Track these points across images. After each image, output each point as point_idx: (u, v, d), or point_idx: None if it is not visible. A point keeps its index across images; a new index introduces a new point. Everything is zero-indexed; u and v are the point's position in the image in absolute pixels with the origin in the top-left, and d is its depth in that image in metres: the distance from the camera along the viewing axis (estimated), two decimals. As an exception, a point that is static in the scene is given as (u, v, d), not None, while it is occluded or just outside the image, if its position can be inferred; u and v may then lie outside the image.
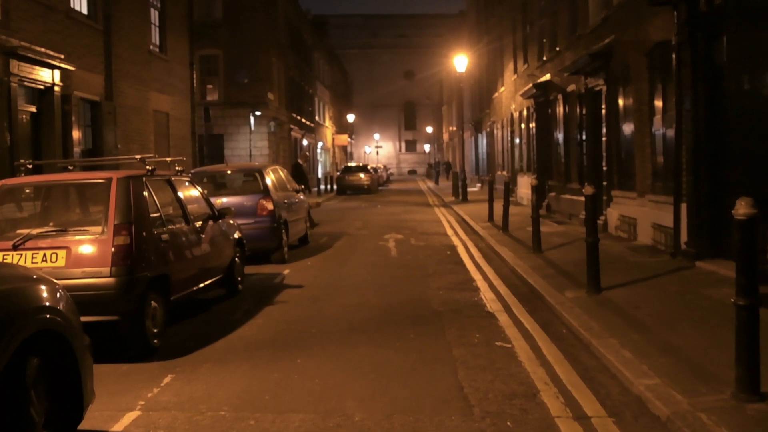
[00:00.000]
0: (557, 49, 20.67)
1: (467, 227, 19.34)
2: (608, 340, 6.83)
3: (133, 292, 6.60)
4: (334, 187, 43.82)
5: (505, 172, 31.29)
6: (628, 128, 14.64)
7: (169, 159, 8.77)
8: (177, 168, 8.44)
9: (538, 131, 23.78)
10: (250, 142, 34.91)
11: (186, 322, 8.37)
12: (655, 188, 12.93)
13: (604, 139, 15.94)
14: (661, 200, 12.40)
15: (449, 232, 18.43)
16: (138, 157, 8.02)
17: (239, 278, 9.96)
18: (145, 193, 7.19)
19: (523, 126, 27.32)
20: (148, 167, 7.57)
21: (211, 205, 9.21)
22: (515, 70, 28.86)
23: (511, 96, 29.99)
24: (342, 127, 75.63)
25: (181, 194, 8.17)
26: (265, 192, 12.80)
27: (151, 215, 7.21)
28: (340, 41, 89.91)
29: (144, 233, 6.88)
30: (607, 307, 8.25)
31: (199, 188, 9.28)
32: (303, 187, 19.32)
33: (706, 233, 10.81)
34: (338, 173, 46.90)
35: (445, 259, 13.40)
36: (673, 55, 11.25)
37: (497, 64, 34.42)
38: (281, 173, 14.62)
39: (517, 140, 28.80)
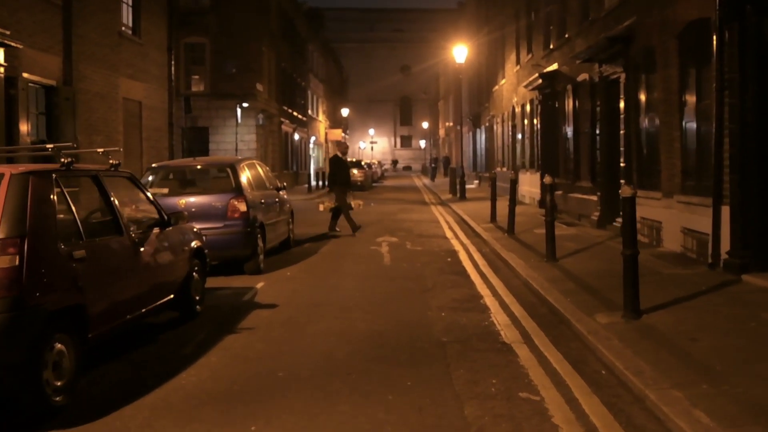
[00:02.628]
0: (566, 36, 18.94)
1: (468, 229, 17.63)
2: (669, 392, 5.11)
3: (22, 333, 4.76)
4: (327, 183, 41.96)
5: (505, 169, 29.63)
6: (651, 120, 12.91)
7: (100, 150, 6.94)
8: (111, 161, 6.63)
9: (543, 125, 22.11)
10: (236, 135, 33.09)
11: (116, 360, 6.56)
12: (686, 188, 11.20)
13: (622, 132, 14.22)
14: (694, 201, 10.68)
15: (449, 234, 16.71)
16: (50, 146, 6.20)
17: (197, 297, 8.17)
18: (53, 196, 5.38)
19: (526, 120, 25.62)
20: (63, 160, 5.76)
21: (158, 208, 7.41)
22: (518, 61, 27.13)
23: (512, 88, 28.28)
24: (336, 122, 73.79)
25: (112, 196, 6.35)
26: (238, 191, 11.00)
27: (63, 225, 5.43)
28: (336, 35, 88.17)
29: (45, 250, 5.08)
30: (652, 337, 6.53)
31: (143, 187, 7.47)
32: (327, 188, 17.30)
33: (753, 242, 9.20)
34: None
35: (446, 267, 11.67)
36: (714, 36, 9.53)
37: (498, 55, 32.69)
38: (260, 169, 12.83)
39: (519, 135, 27.10)
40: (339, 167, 16.94)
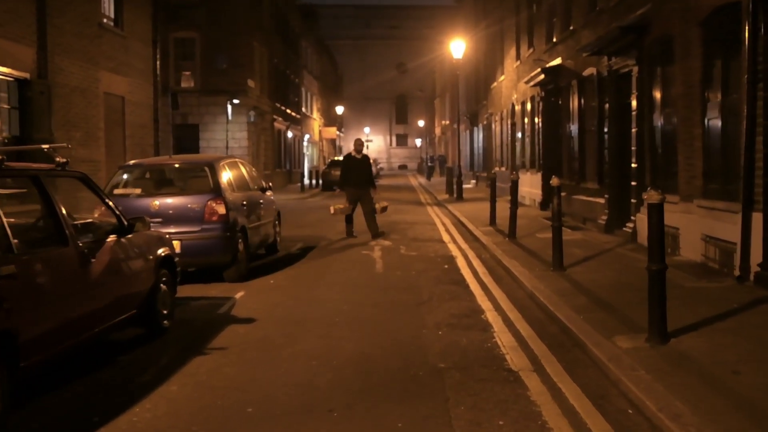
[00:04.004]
0: (571, 28, 18.03)
1: (466, 232, 16.71)
2: (718, 445, 4.21)
3: None
4: (320, 182, 40.95)
5: (504, 168, 28.74)
6: (667, 117, 12.02)
7: (45, 147, 6.02)
8: (58, 160, 5.70)
9: (545, 123, 21.22)
10: (227, 132, 32.13)
11: (63, 388, 5.62)
12: (708, 191, 10.29)
13: (633, 130, 13.31)
14: (718, 207, 9.77)
15: (445, 237, 15.80)
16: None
17: (165, 311, 7.25)
18: (-26, 200, 4.50)
19: (526, 118, 24.71)
20: (-9, 158, 4.84)
21: (117, 214, 6.48)
22: (518, 56, 26.21)
23: (512, 85, 27.36)
24: (331, 120, 72.84)
25: (56, 200, 5.41)
26: (216, 192, 10.05)
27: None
28: (331, 31, 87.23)
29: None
30: (686, 368, 5.61)
31: (98, 189, 6.53)
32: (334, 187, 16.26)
33: (789, 254, 8.25)
34: (324, 168, 44.21)
35: (443, 276, 10.77)
36: (746, 22, 8.61)
37: (496, 50, 31.76)
38: (242, 168, 11.88)
39: (519, 134, 26.20)
40: (348, 166, 15.87)
